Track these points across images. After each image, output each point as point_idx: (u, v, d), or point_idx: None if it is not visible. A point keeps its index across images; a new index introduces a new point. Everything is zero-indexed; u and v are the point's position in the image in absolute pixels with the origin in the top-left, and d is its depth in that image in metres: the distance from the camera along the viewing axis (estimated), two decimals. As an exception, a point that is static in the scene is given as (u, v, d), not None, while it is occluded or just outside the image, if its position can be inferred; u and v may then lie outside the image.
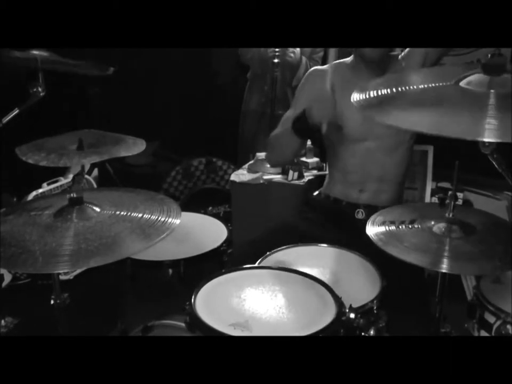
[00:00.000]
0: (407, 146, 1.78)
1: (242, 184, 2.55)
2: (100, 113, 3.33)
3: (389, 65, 1.73)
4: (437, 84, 1.09)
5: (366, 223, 1.30)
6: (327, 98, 1.63)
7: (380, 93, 1.10)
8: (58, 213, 1.17)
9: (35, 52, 1.56)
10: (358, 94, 1.11)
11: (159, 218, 1.17)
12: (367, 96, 1.10)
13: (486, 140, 0.89)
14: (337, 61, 1.89)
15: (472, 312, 1.37)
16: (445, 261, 1.12)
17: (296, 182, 2.47)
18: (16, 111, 1.67)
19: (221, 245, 1.62)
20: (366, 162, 1.75)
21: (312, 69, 1.90)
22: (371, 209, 1.37)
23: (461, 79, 1.07)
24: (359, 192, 1.77)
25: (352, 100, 1.11)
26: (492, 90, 1.00)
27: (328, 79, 1.78)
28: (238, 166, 2.89)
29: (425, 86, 1.11)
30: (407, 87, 1.12)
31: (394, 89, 1.10)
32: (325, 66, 1.88)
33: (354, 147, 1.76)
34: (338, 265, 1.46)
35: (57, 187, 2.80)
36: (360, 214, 1.74)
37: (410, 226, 1.25)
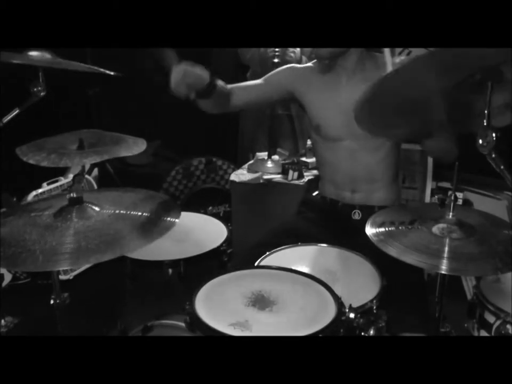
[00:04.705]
0: (391, 145, 1.73)
1: (242, 184, 2.56)
2: (100, 113, 3.33)
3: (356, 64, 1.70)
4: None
5: (363, 224, 1.30)
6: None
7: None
8: (58, 213, 1.17)
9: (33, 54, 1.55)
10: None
11: (158, 217, 1.18)
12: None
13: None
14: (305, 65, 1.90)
15: (472, 312, 1.37)
16: (445, 261, 1.12)
17: (296, 182, 2.47)
18: (16, 111, 1.67)
19: (221, 245, 1.62)
20: (349, 162, 1.73)
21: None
22: (367, 210, 1.36)
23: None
24: (351, 193, 1.76)
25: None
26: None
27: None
28: (238, 166, 2.90)
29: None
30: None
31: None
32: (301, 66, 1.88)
33: (335, 146, 1.75)
34: (338, 265, 1.46)
35: (57, 187, 2.80)
36: (356, 215, 1.74)
37: (410, 227, 1.25)
